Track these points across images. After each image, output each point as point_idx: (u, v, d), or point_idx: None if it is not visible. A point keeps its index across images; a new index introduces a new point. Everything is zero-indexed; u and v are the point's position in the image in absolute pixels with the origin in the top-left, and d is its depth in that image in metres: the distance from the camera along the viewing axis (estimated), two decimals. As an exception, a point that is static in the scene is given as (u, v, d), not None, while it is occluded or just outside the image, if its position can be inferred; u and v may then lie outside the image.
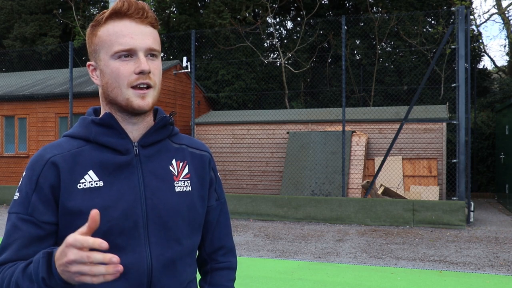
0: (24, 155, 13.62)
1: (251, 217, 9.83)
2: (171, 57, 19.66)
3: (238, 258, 6.51)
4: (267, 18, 17.56)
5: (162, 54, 20.10)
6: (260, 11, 19.06)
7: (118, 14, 1.20)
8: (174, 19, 19.55)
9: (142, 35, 1.20)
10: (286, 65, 16.77)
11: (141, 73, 1.18)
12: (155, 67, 1.23)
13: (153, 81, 1.21)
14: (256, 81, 17.67)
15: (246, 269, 5.91)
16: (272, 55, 19.64)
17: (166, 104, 13.70)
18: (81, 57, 19.83)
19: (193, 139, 1.40)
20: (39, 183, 1.18)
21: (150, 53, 1.22)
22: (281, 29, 20.48)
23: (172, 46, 20.00)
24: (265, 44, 19.13)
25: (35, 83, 14.96)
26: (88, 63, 1.29)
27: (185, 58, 14.41)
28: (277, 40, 18.06)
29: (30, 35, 20.56)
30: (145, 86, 1.20)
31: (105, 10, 1.23)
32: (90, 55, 1.27)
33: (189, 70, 14.25)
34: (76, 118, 12.29)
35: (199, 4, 20.15)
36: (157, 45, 1.24)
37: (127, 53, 1.19)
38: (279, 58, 17.43)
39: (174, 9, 20.56)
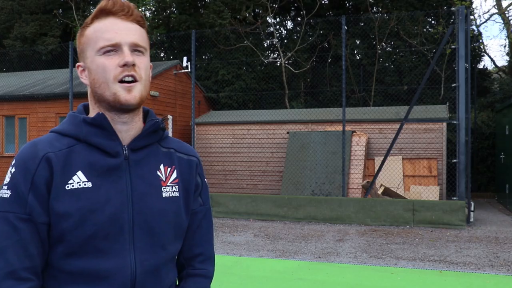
0: (24, 155, 13.60)
1: (251, 217, 9.83)
2: (171, 57, 19.63)
3: (238, 258, 6.52)
4: (267, 18, 17.56)
5: (162, 54, 20.11)
6: (260, 11, 19.03)
7: (103, 12, 1.22)
8: (174, 19, 19.54)
9: (126, 31, 1.21)
10: (286, 65, 16.77)
11: (125, 65, 1.19)
12: (141, 61, 1.23)
13: (139, 75, 1.21)
14: (256, 81, 17.65)
15: (246, 269, 5.91)
16: (272, 55, 19.62)
17: (166, 104, 13.70)
18: (81, 57, 19.76)
19: (182, 143, 1.40)
20: (35, 181, 1.15)
21: (135, 49, 1.22)
22: (281, 29, 20.47)
23: (172, 46, 19.99)
24: (265, 44, 19.12)
25: (35, 83, 14.96)
26: (77, 64, 1.30)
27: (185, 58, 14.41)
28: (277, 40, 18.04)
29: (30, 35, 20.56)
30: (130, 79, 1.20)
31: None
32: (79, 56, 1.28)
33: (189, 70, 14.25)
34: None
35: (199, 4, 20.15)
36: (143, 42, 1.24)
37: (111, 48, 1.20)
38: (279, 58, 17.42)
39: (174, 9, 20.56)
